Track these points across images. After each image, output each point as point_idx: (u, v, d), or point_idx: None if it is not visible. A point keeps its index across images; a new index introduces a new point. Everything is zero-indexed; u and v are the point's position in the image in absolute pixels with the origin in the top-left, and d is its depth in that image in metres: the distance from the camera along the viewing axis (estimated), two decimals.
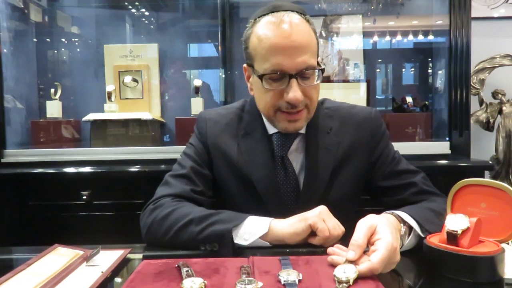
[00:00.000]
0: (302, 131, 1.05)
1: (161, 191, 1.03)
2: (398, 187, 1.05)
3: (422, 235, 0.85)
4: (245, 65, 1.04)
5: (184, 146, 1.14)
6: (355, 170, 1.06)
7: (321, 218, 0.85)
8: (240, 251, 0.85)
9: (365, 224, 0.73)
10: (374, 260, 0.67)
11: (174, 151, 1.71)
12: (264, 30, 0.94)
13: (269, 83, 0.95)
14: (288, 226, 0.86)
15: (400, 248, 0.78)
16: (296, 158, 1.05)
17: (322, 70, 0.97)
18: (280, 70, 0.92)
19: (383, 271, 0.69)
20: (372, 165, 1.07)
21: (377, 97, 2.26)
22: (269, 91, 0.96)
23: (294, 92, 0.92)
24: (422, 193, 1.02)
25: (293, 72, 0.92)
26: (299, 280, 0.66)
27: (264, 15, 0.96)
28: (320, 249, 0.84)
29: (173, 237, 0.90)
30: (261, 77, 0.95)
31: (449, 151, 1.80)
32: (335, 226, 0.85)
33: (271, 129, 1.06)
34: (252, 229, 0.87)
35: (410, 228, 0.86)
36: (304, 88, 0.94)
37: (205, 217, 0.89)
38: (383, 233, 0.71)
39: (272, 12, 0.95)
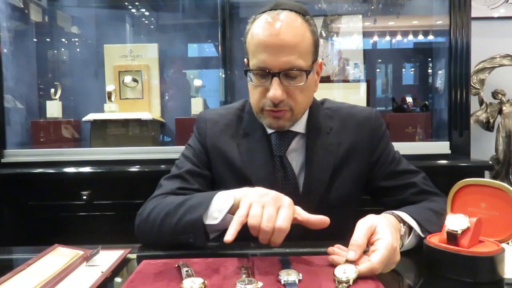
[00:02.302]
0: (302, 130, 1.05)
1: (153, 194, 1.04)
2: (398, 187, 1.04)
3: (422, 235, 0.85)
4: (245, 59, 1.05)
5: (184, 147, 1.14)
6: (355, 171, 1.06)
7: (248, 200, 0.77)
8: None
9: (365, 224, 0.73)
10: (374, 260, 0.67)
11: (174, 151, 1.71)
12: (257, 27, 0.95)
13: (255, 79, 0.97)
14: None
15: (400, 248, 0.78)
16: (296, 158, 1.05)
17: (307, 73, 0.95)
18: (264, 68, 0.93)
19: (383, 271, 0.69)
20: (372, 165, 1.07)
21: (377, 97, 2.26)
22: (257, 88, 0.97)
23: (274, 91, 0.93)
24: (423, 193, 1.02)
25: (276, 70, 0.93)
26: (299, 280, 0.66)
27: (264, 12, 0.97)
28: (320, 249, 0.83)
29: (157, 233, 0.91)
30: (247, 72, 0.97)
31: (449, 151, 1.80)
32: (257, 216, 0.73)
33: (269, 129, 1.06)
34: (220, 205, 0.84)
35: (410, 228, 0.86)
36: (288, 88, 0.95)
37: (178, 206, 0.89)
38: (383, 233, 0.71)
39: (271, 10, 0.96)
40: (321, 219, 0.79)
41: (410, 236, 0.85)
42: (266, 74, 0.94)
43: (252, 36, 0.96)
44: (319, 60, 1.03)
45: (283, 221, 0.74)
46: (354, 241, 0.71)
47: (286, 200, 0.79)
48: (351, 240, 0.72)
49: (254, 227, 0.73)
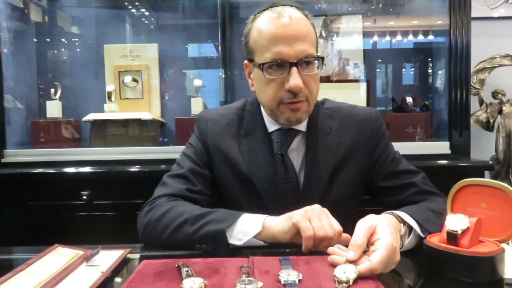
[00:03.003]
0: (303, 129, 1.06)
1: (158, 191, 1.04)
2: (398, 187, 1.05)
3: (422, 235, 0.85)
4: (245, 61, 1.05)
5: (184, 146, 1.14)
6: (355, 171, 1.06)
7: (306, 217, 0.81)
8: (235, 251, 0.85)
9: (365, 224, 0.73)
10: (374, 260, 0.67)
11: (174, 151, 1.71)
12: (264, 23, 0.96)
13: (270, 73, 0.96)
14: (278, 224, 0.85)
15: (400, 248, 0.78)
16: (296, 157, 1.06)
17: (322, 59, 0.98)
18: (281, 59, 0.94)
19: (383, 271, 0.69)
20: (372, 165, 1.07)
21: (377, 97, 2.26)
22: (271, 82, 0.97)
23: (295, 79, 0.93)
24: (422, 193, 1.02)
25: (293, 60, 0.94)
26: (299, 280, 0.66)
27: (264, 10, 0.99)
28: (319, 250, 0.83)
29: (168, 237, 0.90)
30: (262, 66, 0.96)
31: (449, 151, 1.80)
32: (321, 226, 0.79)
33: (271, 127, 1.06)
34: (246, 228, 0.86)
35: (410, 228, 0.86)
36: (304, 78, 0.96)
37: (199, 217, 0.89)
38: (383, 233, 0.71)
39: (271, 7, 0.98)
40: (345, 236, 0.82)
41: (410, 236, 0.85)
42: (281, 65, 0.95)
43: (259, 32, 0.97)
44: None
45: (338, 225, 0.81)
46: (354, 241, 0.71)
47: (326, 209, 0.84)
48: (351, 240, 0.72)
49: (321, 237, 0.78)
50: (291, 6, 0.98)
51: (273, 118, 1.05)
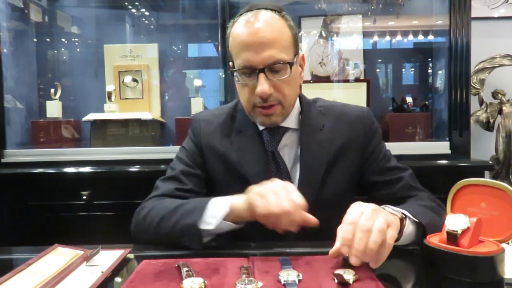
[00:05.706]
0: (292, 126, 1.07)
1: (150, 195, 1.07)
2: (388, 182, 1.07)
3: (416, 220, 0.85)
4: (230, 63, 1.07)
5: None
6: (349, 168, 1.07)
7: (260, 194, 0.82)
8: (231, 248, 0.87)
9: (347, 229, 0.74)
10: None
11: (174, 151, 1.68)
12: (237, 29, 0.99)
13: (241, 78, 1.00)
14: (242, 203, 0.87)
15: (400, 235, 0.79)
16: (288, 153, 1.07)
17: (290, 64, 0.98)
18: (249, 66, 0.96)
19: (384, 252, 0.70)
20: (364, 161, 1.09)
21: (377, 97, 2.26)
22: (244, 87, 1.00)
23: (261, 86, 0.95)
24: (410, 189, 1.05)
25: (260, 67, 0.95)
26: (299, 280, 0.66)
27: (241, 15, 1.01)
28: (320, 249, 0.83)
29: (154, 234, 0.94)
30: (233, 72, 1.00)
31: (449, 151, 1.80)
32: (277, 203, 0.79)
33: (260, 126, 1.08)
34: (215, 211, 0.88)
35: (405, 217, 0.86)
36: (274, 83, 0.97)
37: (173, 210, 0.92)
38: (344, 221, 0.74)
39: (247, 11, 1.00)
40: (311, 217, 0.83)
41: (407, 222, 0.84)
42: (251, 71, 0.97)
43: (233, 38, 1.00)
44: (301, 53, 1.05)
45: (300, 199, 0.81)
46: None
47: (289, 183, 0.86)
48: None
49: (276, 212, 0.79)
50: (267, 9, 0.99)
51: (251, 119, 1.07)
